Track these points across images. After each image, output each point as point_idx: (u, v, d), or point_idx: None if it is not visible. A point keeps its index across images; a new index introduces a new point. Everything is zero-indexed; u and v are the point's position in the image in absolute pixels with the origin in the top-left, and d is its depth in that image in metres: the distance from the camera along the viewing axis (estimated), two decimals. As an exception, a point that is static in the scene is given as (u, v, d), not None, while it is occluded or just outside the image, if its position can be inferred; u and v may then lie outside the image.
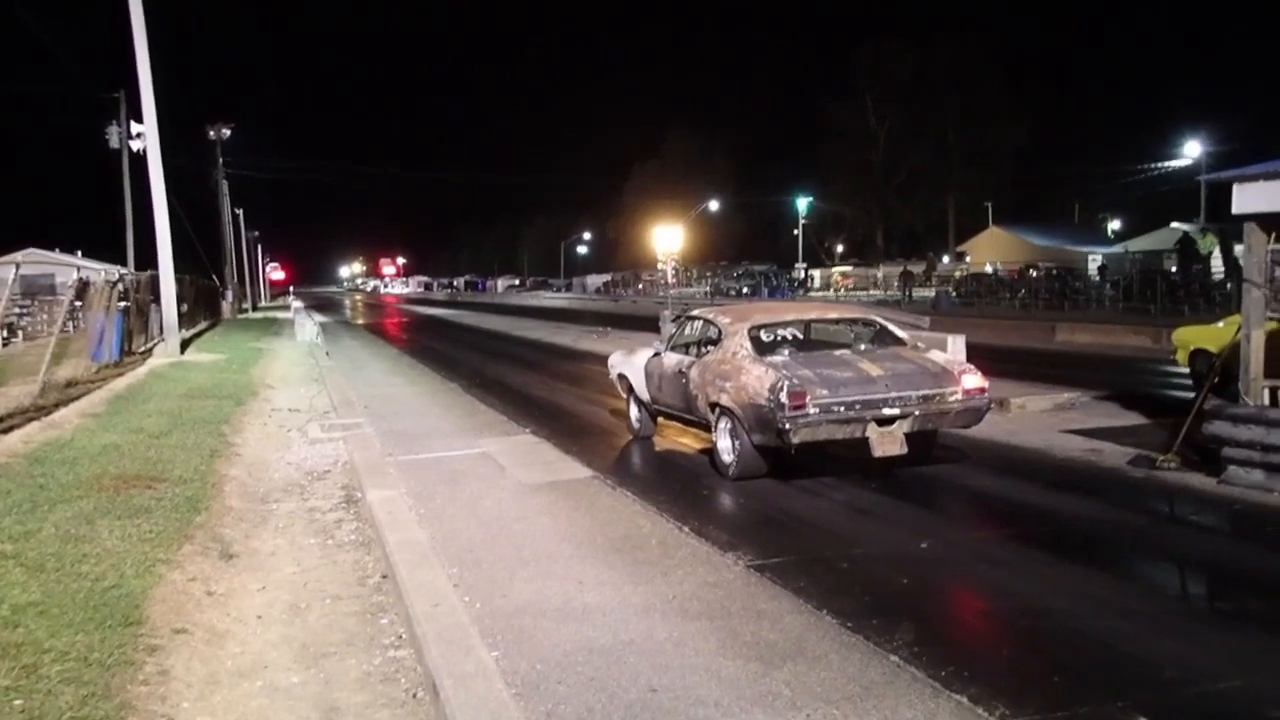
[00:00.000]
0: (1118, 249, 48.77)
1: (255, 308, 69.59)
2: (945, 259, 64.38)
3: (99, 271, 24.22)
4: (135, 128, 23.08)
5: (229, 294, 54.54)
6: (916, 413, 8.56)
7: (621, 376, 11.95)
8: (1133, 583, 6.47)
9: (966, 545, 7.07)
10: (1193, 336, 13.93)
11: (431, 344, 30.73)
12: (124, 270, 29.44)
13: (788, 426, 8.16)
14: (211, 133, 55.59)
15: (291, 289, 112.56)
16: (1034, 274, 42.14)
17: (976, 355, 13.59)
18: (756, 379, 8.61)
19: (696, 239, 76.11)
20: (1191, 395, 11.15)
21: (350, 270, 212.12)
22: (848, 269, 69.48)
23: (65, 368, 15.60)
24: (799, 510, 8.18)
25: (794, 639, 5.19)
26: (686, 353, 10.37)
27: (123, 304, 20.40)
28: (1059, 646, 5.10)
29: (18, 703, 3.99)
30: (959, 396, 8.71)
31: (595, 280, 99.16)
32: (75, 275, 17.78)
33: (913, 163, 71.56)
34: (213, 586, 6.05)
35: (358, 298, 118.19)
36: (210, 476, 8.82)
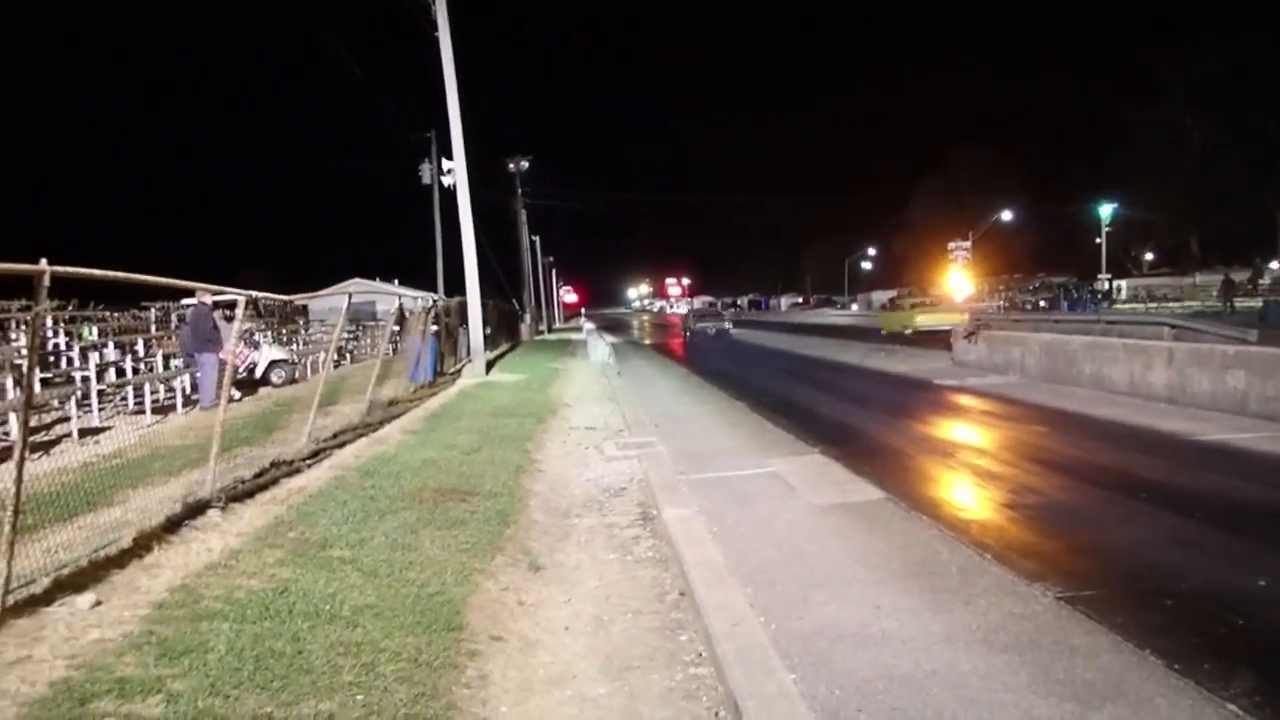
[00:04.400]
0: None
1: (550, 329, 73.22)
2: (1274, 264, 58.38)
3: (414, 299, 26.26)
4: (445, 164, 24.87)
5: (527, 317, 57.68)
6: (712, 330, 50.95)
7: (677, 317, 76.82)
8: None
9: (1314, 585, 6.34)
10: None
11: (716, 363, 31.15)
12: (435, 296, 31.73)
13: (685, 328, 55.44)
14: (511, 165, 59.09)
15: (583, 311, 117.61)
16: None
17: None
18: (684, 315, 71.86)
19: (988, 252, 73.03)
20: None
21: (637, 291, 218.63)
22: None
23: (387, 388, 17.03)
24: (1113, 540, 7.63)
25: (1114, 679, 4.85)
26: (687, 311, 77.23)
27: (434, 328, 21.99)
28: None
29: (359, 697, 4.37)
30: (727, 327, 52.69)
31: (881, 296, 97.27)
32: (397, 303, 19.36)
33: (1230, 163, 65.24)
34: (523, 597, 6.39)
35: (645, 318, 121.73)
36: (517, 491, 9.35)
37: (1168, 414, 13.77)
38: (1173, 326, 20.45)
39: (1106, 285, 63.15)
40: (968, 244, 66.07)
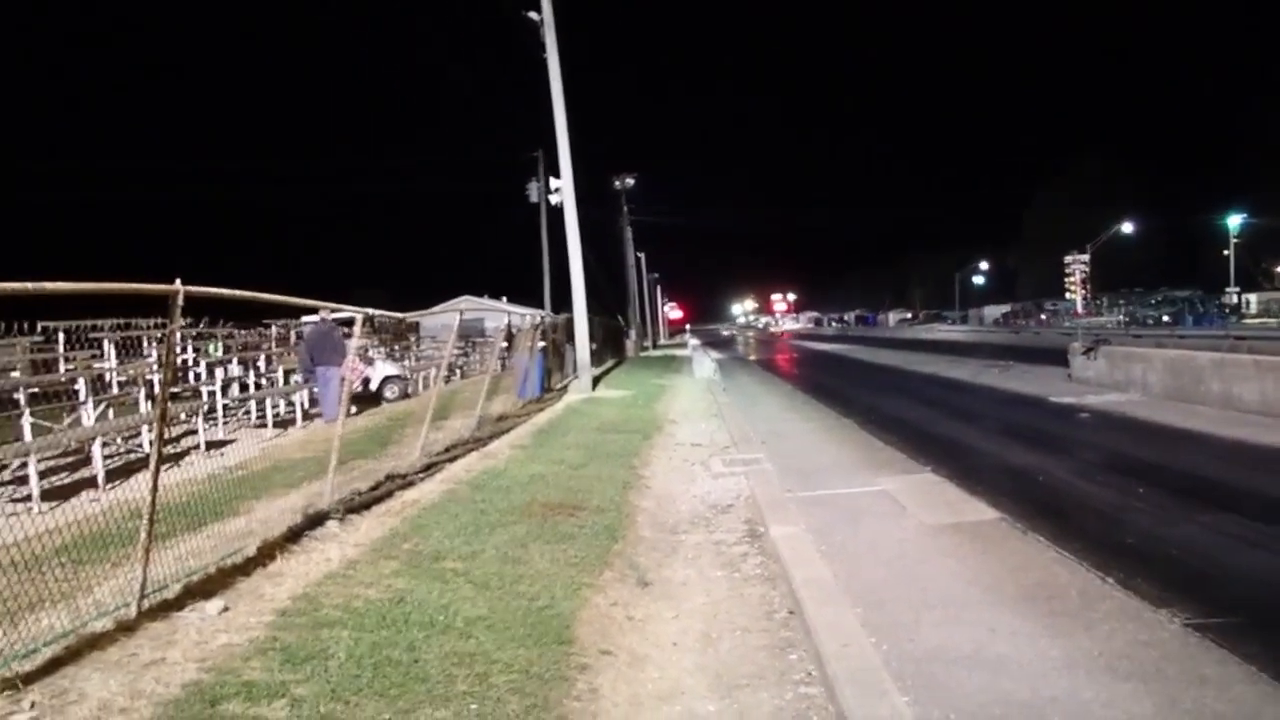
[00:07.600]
0: None
1: (655, 345, 73.45)
2: None
3: (522, 316, 26.63)
4: (552, 183, 25.21)
5: (632, 333, 57.96)
6: (726, 332, 69.34)
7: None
8: None
9: None
10: None
11: (823, 379, 30.84)
12: (542, 313, 32.11)
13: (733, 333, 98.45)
14: (617, 183, 59.60)
15: (687, 327, 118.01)
16: None
17: None
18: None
19: (1108, 265, 70.82)
20: None
21: (742, 307, 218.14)
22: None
23: (496, 403, 17.31)
24: (1244, 565, 7.32)
25: (1247, 713, 4.65)
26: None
27: (541, 345, 22.27)
28: None
29: (473, 706, 4.45)
30: (735, 334, 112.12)
31: (993, 311, 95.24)
32: (505, 320, 19.68)
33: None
34: (632, 612, 6.42)
35: (750, 334, 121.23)
36: (624, 507, 9.41)
37: (1302, 434, 13.15)
38: (1307, 342, 19.51)
39: (1235, 299, 60.68)
40: (1086, 256, 64.15)
